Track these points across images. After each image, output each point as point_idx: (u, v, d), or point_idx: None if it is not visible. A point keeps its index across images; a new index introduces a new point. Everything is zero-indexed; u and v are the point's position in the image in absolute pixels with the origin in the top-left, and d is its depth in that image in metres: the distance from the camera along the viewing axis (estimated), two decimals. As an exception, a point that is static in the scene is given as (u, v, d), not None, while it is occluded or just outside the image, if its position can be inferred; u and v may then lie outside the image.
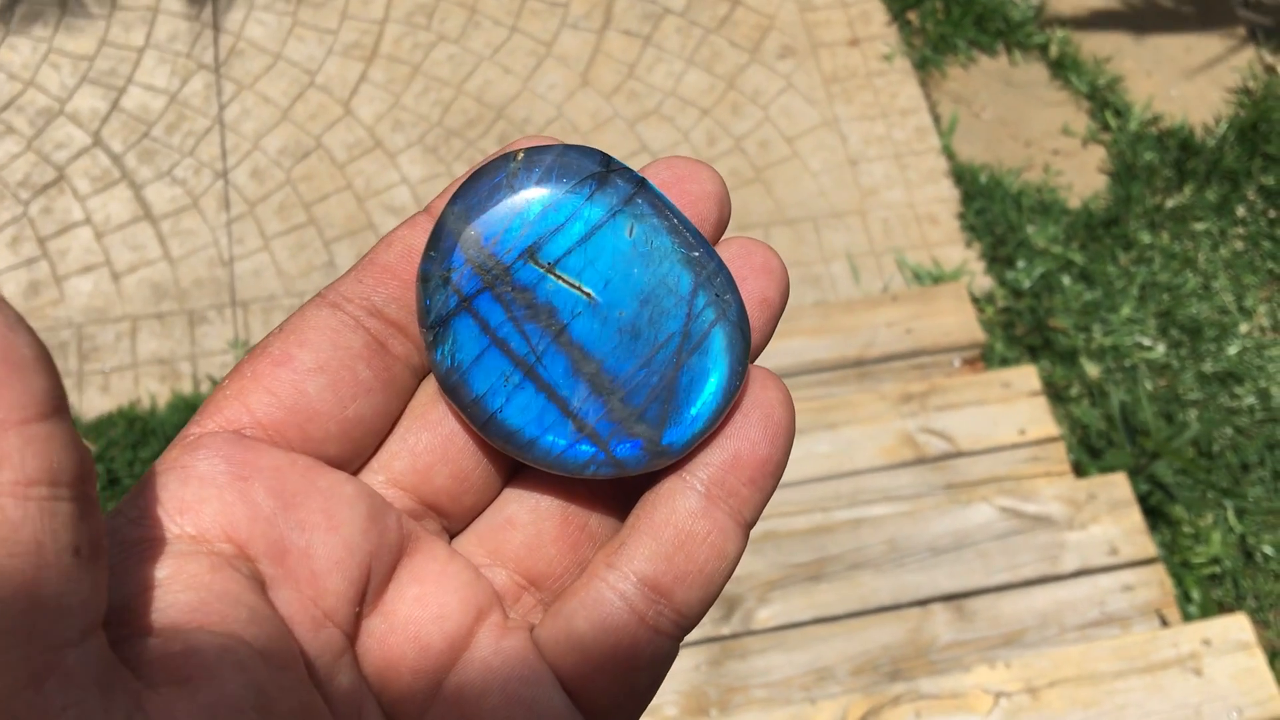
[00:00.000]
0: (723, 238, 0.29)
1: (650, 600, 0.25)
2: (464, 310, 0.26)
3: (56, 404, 0.18)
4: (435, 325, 0.26)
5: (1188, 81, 2.56)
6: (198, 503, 0.23)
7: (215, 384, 2.08)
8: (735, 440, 0.26)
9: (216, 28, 2.49)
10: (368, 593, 0.25)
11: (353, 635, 0.25)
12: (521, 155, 0.27)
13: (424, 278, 0.26)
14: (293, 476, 0.25)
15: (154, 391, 2.11)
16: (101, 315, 2.19)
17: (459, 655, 0.26)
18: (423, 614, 0.26)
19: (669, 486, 0.26)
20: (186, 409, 2.06)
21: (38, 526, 0.18)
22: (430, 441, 0.27)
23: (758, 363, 0.28)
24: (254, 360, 0.26)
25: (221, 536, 0.23)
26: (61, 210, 2.29)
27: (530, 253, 0.26)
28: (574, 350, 0.26)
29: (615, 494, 0.28)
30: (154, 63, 2.45)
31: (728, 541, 0.26)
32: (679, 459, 0.26)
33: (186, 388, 2.12)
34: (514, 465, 0.28)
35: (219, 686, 0.20)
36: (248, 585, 0.23)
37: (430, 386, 0.28)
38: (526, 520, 0.28)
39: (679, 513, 0.26)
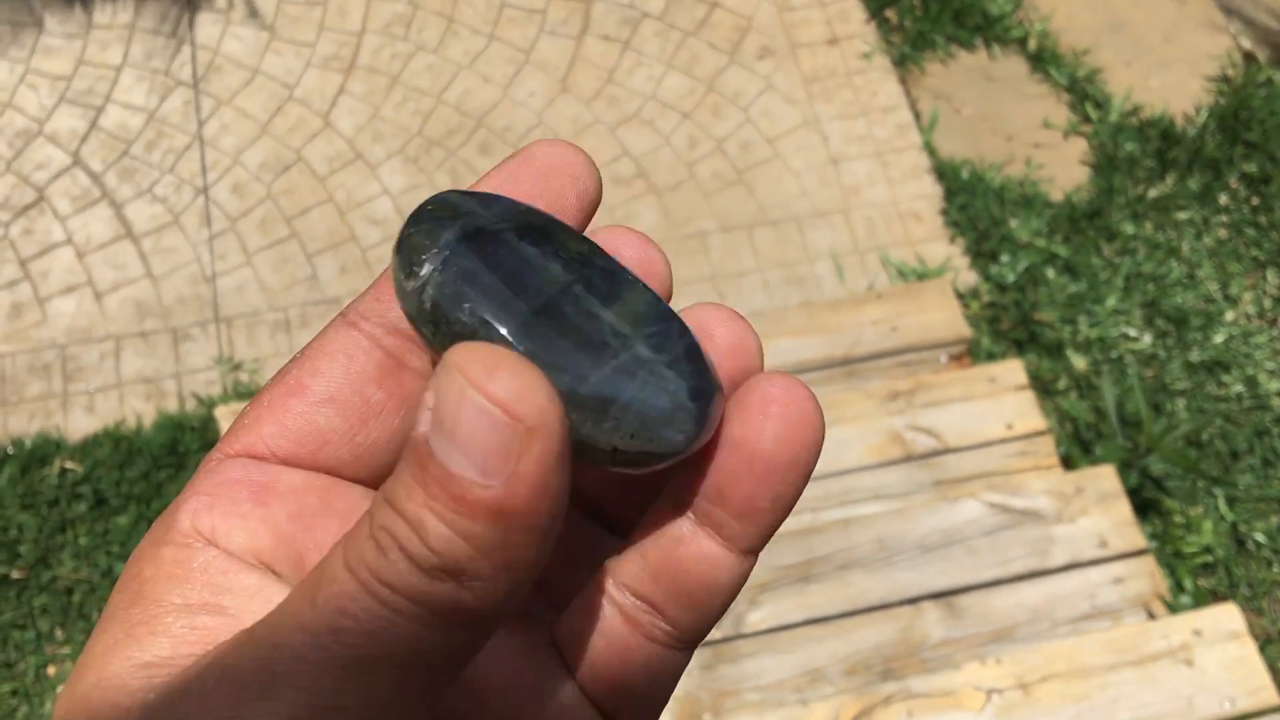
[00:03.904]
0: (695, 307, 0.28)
1: (642, 611, 0.26)
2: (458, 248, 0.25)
3: None
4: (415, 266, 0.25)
5: (1167, 71, 2.56)
6: (226, 531, 0.25)
7: (200, 402, 2.08)
8: (718, 475, 0.26)
9: (194, 44, 2.49)
10: None
11: None
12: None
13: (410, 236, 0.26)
14: (310, 499, 0.26)
15: (139, 411, 2.10)
16: (85, 335, 2.18)
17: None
18: None
19: (663, 510, 0.26)
20: (173, 427, 2.05)
21: None
22: None
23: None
24: (272, 389, 0.27)
25: (251, 558, 0.25)
26: (42, 231, 2.28)
27: (526, 229, 0.26)
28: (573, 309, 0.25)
29: (613, 506, 0.29)
30: (132, 81, 2.44)
31: (716, 570, 0.26)
32: (675, 459, 0.25)
33: (172, 406, 2.11)
34: None
35: None
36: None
37: None
38: None
39: (665, 538, 0.26)
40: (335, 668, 0.20)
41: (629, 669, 0.27)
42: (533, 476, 0.20)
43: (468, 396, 0.20)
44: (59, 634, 1.91)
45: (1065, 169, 2.43)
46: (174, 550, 0.25)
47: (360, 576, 0.21)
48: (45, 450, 2.05)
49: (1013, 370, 1.89)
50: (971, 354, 2.07)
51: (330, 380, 0.27)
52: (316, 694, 0.20)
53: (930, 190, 2.36)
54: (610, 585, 0.27)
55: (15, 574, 1.95)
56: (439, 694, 0.22)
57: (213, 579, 0.25)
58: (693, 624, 0.27)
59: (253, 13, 2.52)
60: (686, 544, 0.26)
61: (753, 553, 0.26)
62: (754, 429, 0.25)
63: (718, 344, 0.27)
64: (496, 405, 0.20)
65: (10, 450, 2.05)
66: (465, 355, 0.21)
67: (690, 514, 0.26)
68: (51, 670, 1.89)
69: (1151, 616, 1.61)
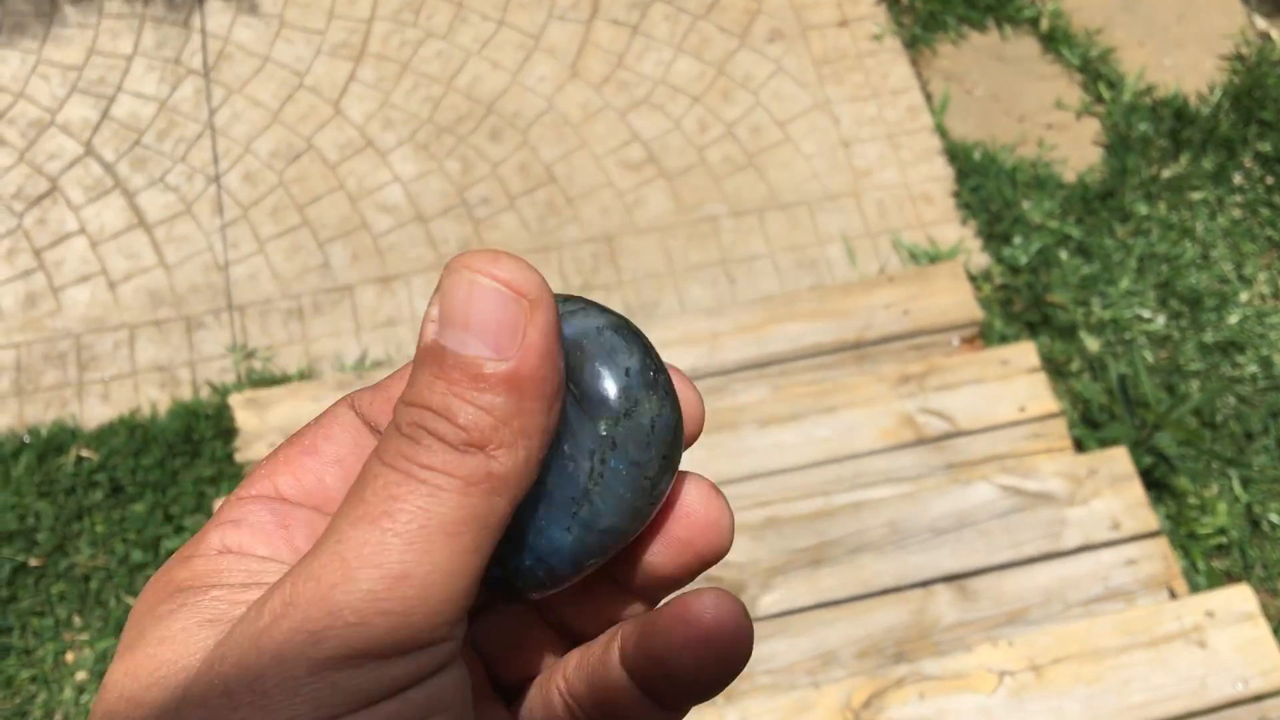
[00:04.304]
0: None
1: (586, 718, 0.30)
2: None
3: None
4: None
5: (1180, 50, 2.54)
6: (253, 545, 0.28)
7: (214, 389, 2.09)
8: (651, 679, 0.28)
9: (204, 32, 2.49)
10: None
11: None
12: None
13: None
14: (321, 526, 0.29)
15: (154, 399, 2.11)
16: (99, 324, 2.19)
17: None
18: None
19: (609, 661, 0.29)
20: (187, 415, 2.06)
21: None
22: None
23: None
24: (288, 446, 0.30)
25: (274, 571, 0.28)
26: (56, 221, 2.29)
27: None
28: None
29: (570, 617, 0.32)
30: (143, 70, 2.45)
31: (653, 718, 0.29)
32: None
33: (186, 394, 2.12)
34: None
35: None
36: None
37: None
38: (491, 633, 0.32)
39: (610, 685, 0.29)
40: (397, 543, 0.24)
41: None
42: (539, 345, 0.25)
43: (478, 282, 0.25)
44: (77, 620, 1.93)
45: (1078, 150, 2.42)
46: (205, 560, 0.28)
47: (400, 467, 0.25)
48: (61, 439, 2.06)
49: (1025, 352, 1.89)
50: (984, 336, 2.07)
51: (341, 445, 0.30)
52: (384, 566, 0.24)
53: (942, 172, 2.35)
54: (564, 687, 0.30)
55: (33, 561, 1.97)
56: (484, 560, 0.25)
57: (248, 566, 0.27)
58: None
59: (262, 0, 2.53)
60: (627, 696, 0.29)
61: (686, 712, 0.29)
62: (675, 656, 0.28)
63: (693, 521, 0.29)
64: (503, 284, 0.25)
65: (27, 439, 2.07)
66: (468, 255, 0.25)
67: (631, 678, 0.29)
68: (70, 656, 1.91)
69: (1173, 595, 1.61)
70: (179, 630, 0.26)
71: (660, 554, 0.29)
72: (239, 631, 0.24)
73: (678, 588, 0.30)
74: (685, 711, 0.29)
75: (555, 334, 0.25)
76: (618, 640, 0.29)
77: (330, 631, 0.23)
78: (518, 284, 0.25)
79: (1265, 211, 2.33)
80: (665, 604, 0.29)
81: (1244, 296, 2.24)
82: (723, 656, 0.27)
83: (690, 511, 0.29)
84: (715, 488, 0.30)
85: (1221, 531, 1.97)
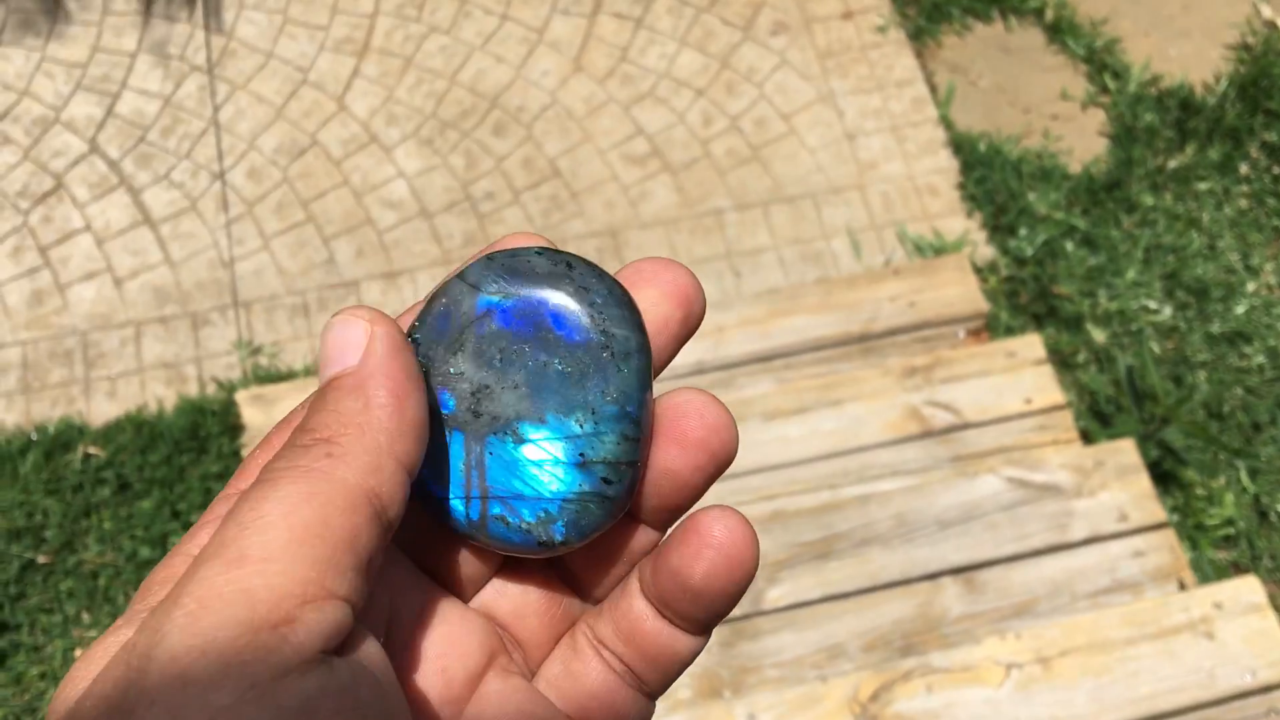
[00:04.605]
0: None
1: (616, 662, 0.31)
2: None
3: None
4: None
5: (1186, 39, 2.53)
6: None
7: (220, 386, 2.09)
8: (663, 590, 0.30)
9: (208, 29, 2.49)
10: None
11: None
12: None
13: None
14: None
15: (161, 395, 2.12)
16: (105, 321, 2.20)
17: (474, 688, 0.31)
18: (449, 651, 0.31)
19: (630, 591, 0.31)
20: (193, 412, 2.07)
21: None
22: None
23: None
24: (278, 431, 0.31)
25: None
26: (61, 218, 2.30)
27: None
28: None
29: (586, 574, 0.33)
30: (147, 67, 2.45)
31: (675, 643, 0.31)
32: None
33: (192, 390, 2.12)
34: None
35: None
36: None
37: None
38: (515, 592, 0.33)
39: (633, 614, 0.31)
40: (234, 530, 0.25)
41: (613, 706, 0.32)
42: (380, 351, 0.28)
43: (330, 324, 0.28)
44: (85, 617, 1.94)
45: (1083, 140, 2.41)
46: (183, 559, 0.29)
47: (262, 474, 0.26)
48: (68, 436, 2.07)
49: (1031, 344, 1.88)
50: (990, 328, 2.07)
51: None
52: (223, 555, 0.24)
53: (947, 164, 2.35)
54: (591, 638, 0.32)
55: (41, 558, 1.97)
56: (340, 532, 0.25)
57: None
58: (658, 681, 0.32)
59: (266, -4, 2.53)
60: (649, 623, 0.31)
61: (707, 631, 0.31)
62: (688, 565, 0.30)
63: (705, 421, 0.31)
64: (348, 314, 0.28)
65: (34, 436, 2.07)
66: (329, 320, 0.29)
67: (650, 603, 0.31)
68: (78, 653, 1.91)
69: (1181, 587, 1.61)
70: (99, 651, 0.26)
71: (676, 457, 0.31)
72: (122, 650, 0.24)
73: (690, 500, 0.32)
74: (708, 631, 0.31)
75: (398, 340, 0.28)
76: (635, 575, 0.31)
77: (172, 624, 0.23)
78: (359, 312, 0.28)
79: (1272, 201, 2.32)
80: (674, 527, 0.31)
81: (1251, 287, 2.23)
82: (733, 563, 0.29)
83: (701, 411, 0.31)
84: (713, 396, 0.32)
85: (1229, 523, 1.96)
